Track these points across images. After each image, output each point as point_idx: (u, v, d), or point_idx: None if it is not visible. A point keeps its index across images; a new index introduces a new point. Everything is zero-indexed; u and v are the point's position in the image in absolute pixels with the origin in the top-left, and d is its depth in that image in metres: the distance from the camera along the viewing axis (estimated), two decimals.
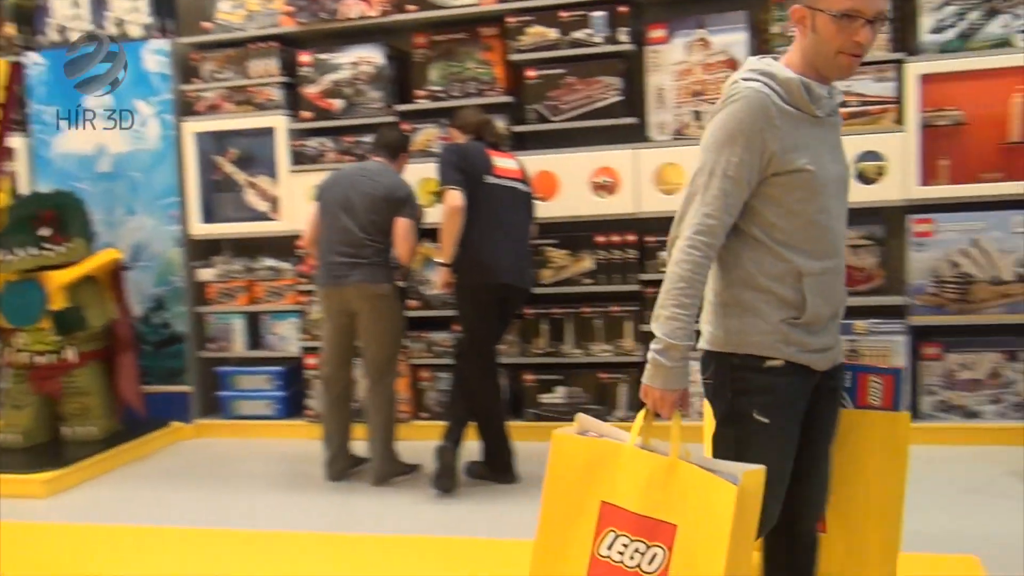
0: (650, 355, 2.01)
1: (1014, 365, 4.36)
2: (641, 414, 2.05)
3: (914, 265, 4.43)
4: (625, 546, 1.98)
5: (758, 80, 2.00)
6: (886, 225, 4.57)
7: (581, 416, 2.13)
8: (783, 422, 2.05)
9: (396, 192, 4.23)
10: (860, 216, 4.50)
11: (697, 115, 4.64)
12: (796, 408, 2.07)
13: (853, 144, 4.35)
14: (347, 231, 4.16)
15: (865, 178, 4.40)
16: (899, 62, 4.39)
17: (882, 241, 4.55)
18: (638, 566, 1.94)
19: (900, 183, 4.39)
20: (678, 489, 1.95)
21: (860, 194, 4.36)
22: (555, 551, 2.06)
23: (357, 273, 4.14)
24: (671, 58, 4.67)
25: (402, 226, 4.19)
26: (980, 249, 4.35)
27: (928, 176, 4.39)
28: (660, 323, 1.99)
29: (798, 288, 2.01)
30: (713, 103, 4.48)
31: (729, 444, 2.06)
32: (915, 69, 4.34)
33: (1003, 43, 4.29)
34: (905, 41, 4.45)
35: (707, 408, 2.29)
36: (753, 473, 1.87)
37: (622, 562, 1.96)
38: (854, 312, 4.46)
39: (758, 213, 2.02)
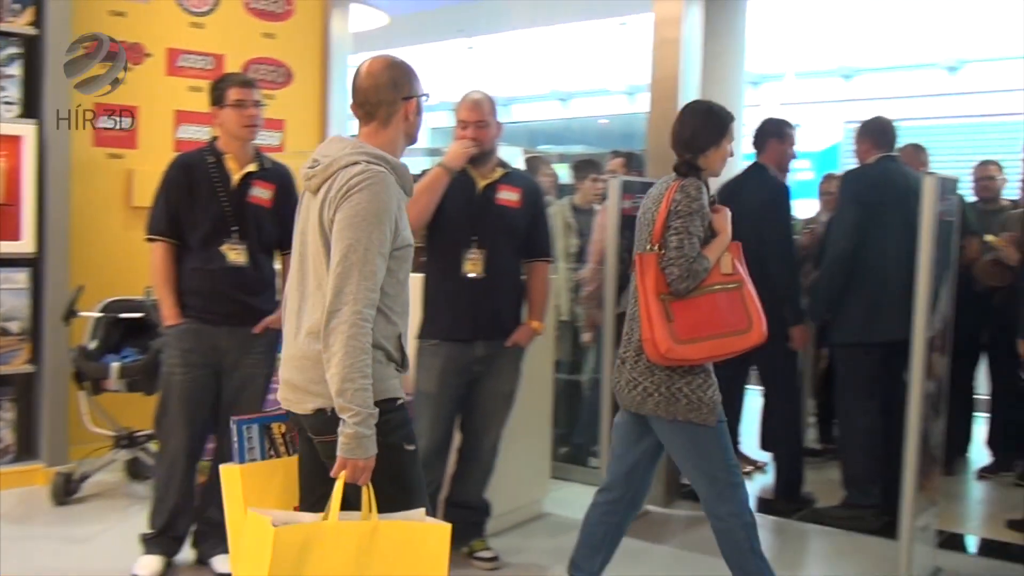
0: (350, 430, 2.15)
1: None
2: (338, 487, 2.15)
3: None
4: None
5: (382, 165, 2.27)
6: None
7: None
8: (416, 444, 2.41)
9: None
10: None
11: None
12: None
13: None
14: None
15: None
16: None
17: None
18: None
19: None
20: (383, 546, 2.15)
21: None
22: None
23: None
24: None
25: None
26: None
27: None
28: (351, 396, 2.15)
29: (399, 345, 2.36)
30: None
31: (386, 479, 2.24)
32: None
33: None
34: None
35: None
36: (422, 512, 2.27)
37: None
38: None
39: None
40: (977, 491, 5.27)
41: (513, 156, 7.45)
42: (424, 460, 3.62)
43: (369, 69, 2.41)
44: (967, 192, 5.32)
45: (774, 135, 4.66)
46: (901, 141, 5.02)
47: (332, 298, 2.20)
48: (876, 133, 4.49)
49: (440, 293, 3.66)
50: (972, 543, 4.43)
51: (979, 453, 5.62)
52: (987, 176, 5.53)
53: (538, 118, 15.85)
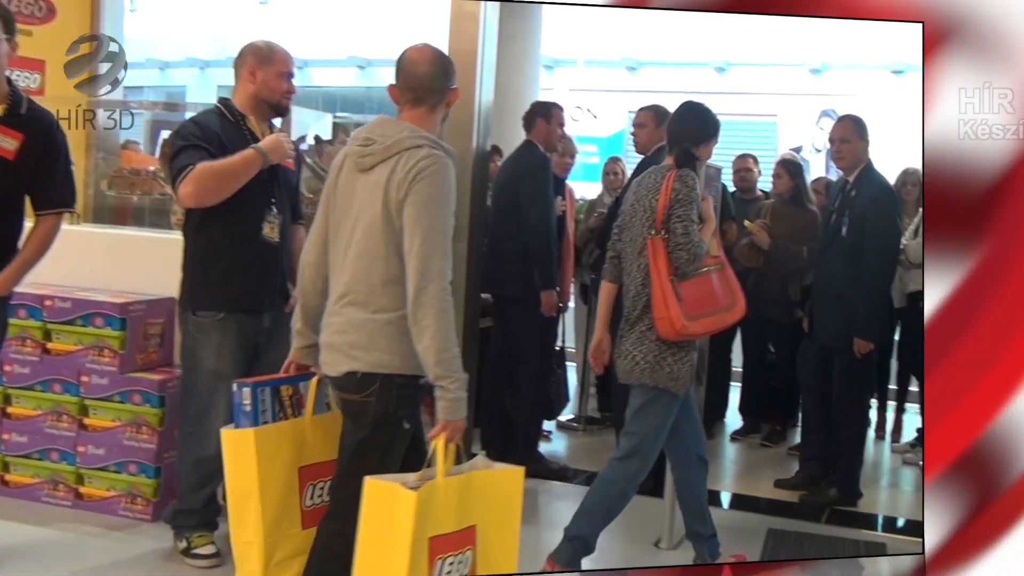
0: (452, 395, 2.34)
1: None
2: (441, 447, 2.34)
3: None
4: (452, 564, 2.36)
5: (440, 149, 2.44)
6: None
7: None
8: (414, 426, 2.56)
9: None
10: None
11: None
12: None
13: None
14: None
15: None
16: None
17: None
18: None
19: None
20: (475, 494, 2.42)
21: None
22: None
23: None
24: None
25: None
26: None
27: None
28: (448, 363, 2.33)
29: None
30: None
31: (377, 449, 2.46)
32: None
33: None
34: None
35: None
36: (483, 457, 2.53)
37: None
38: None
39: None
40: (731, 452, 5.79)
41: (315, 120, 7.32)
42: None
43: (423, 57, 2.56)
44: (728, 182, 5.80)
45: (542, 115, 4.92)
46: None
47: (418, 277, 2.36)
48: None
49: (228, 260, 3.29)
50: (726, 498, 4.89)
51: (733, 418, 6.17)
52: (745, 168, 6.08)
53: (335, 84, 15.36)
